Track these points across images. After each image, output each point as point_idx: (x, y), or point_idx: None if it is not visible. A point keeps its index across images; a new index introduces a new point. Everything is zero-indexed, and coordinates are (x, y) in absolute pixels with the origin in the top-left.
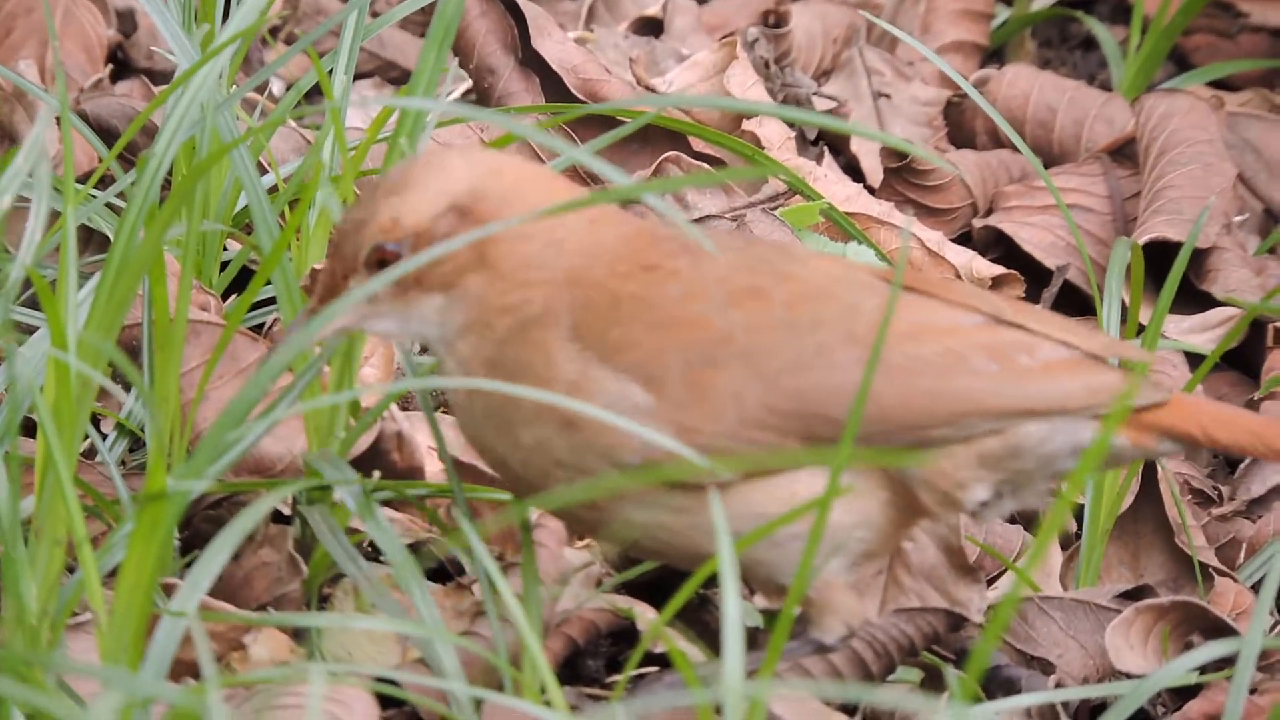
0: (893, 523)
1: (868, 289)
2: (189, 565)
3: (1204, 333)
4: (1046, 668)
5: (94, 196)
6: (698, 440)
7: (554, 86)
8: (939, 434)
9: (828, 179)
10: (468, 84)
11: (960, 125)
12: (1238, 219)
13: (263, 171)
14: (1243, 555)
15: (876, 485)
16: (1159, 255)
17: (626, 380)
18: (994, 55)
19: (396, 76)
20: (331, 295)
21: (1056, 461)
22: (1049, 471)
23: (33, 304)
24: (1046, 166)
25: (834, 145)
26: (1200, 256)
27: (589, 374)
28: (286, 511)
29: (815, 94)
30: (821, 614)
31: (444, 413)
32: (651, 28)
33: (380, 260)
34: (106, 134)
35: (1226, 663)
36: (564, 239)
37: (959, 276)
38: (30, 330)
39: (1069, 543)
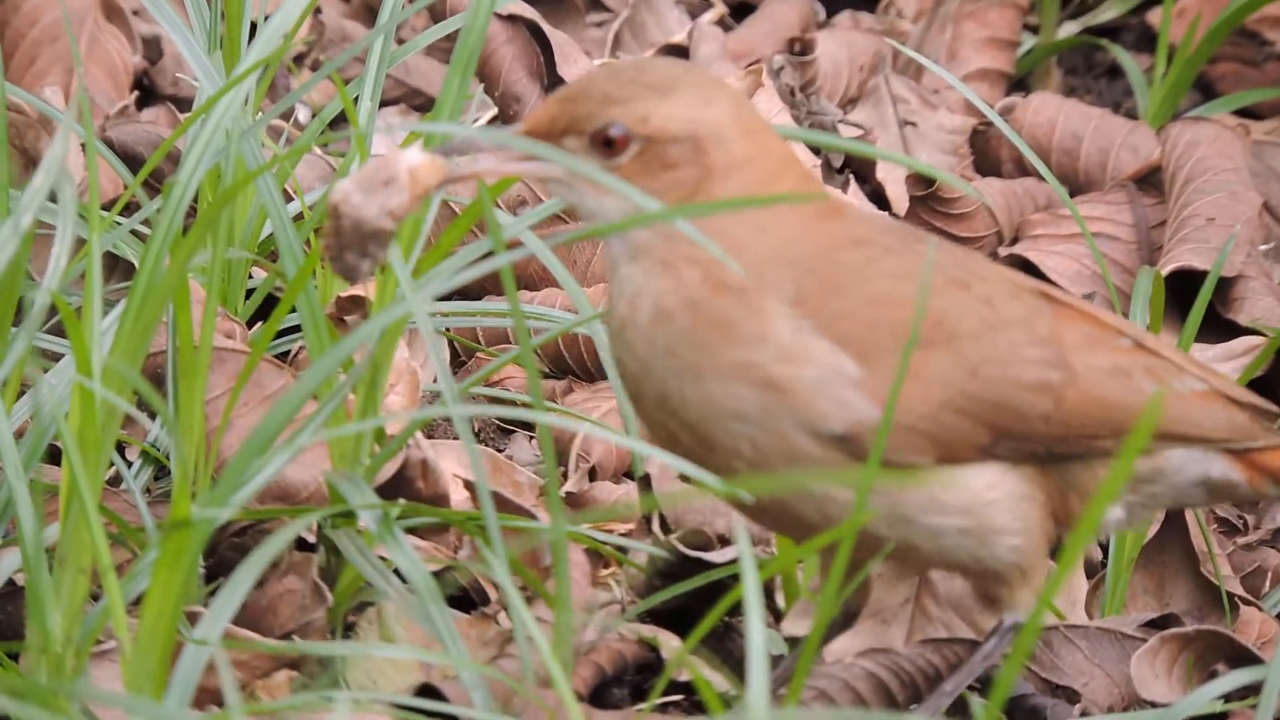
0: (1043, 531)
1: (1038, 296)
2: (213, 593)
3: (1229, 361)
4: (1072, 696)
5: (119, 223)
6: (902, 418)
7: None
8: (1105, 445)
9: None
10: (493, 111)
11: (986, 153)
12: (1263, 247)
13: (288, 199)
14: (1268, 584)
15: (1038, 489)
16: (1185, 283)
17: (840, 351)
18: (1019, 83)
19: (422, 104)
20: (543, 136)
21: (1184, 489)
22: (1172, 498)
23: (58, 331)
24: (1072, 195)
25: (860, 173)
26: (1226, 285)
27: (804, 342)
28: (311, 539)
29: (841, 121)
30: (1015, 592)
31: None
32: (677, 55)
33: (605, 138)
34: (132, 161)
35: (1251, 691)
36: (772, 225)
37: None
38: (56, 357)
39: (1094, 571)
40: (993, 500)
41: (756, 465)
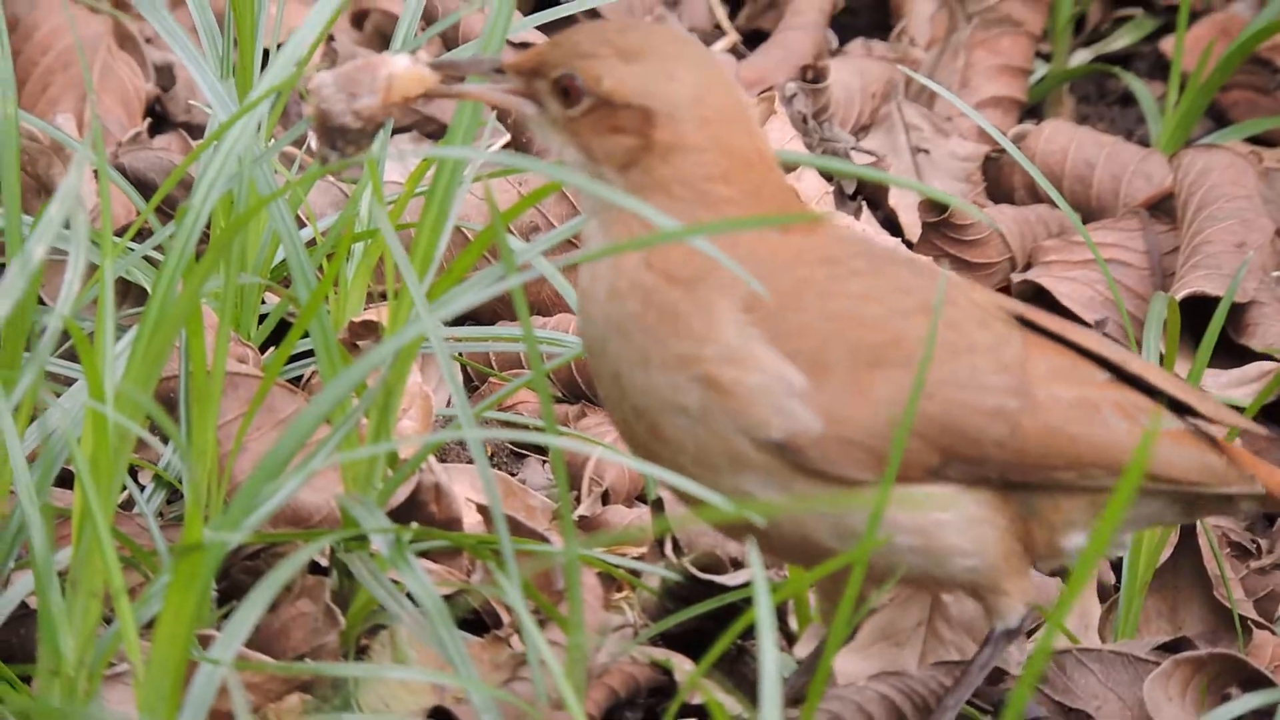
0: (1006, 555)
1: (1012, 324)
2: (226, 616)
3: (1242, 387)
4: None
5: (132, 249)
6: (846, 432)
7: None
8: (1065, 477)
9: (866, 233)
10: (506, 138)
11: (998, 180)
12: (1276, 273)
13: (301, 225)
14: None
15: (997, 513)
16: (1198, 309)
17: (788, 363)
18: (1032, 111)
19: (434, 130)
20: (519, 73)
21: (1155, 514)
22: (1144, 522)
23: (71, 356)
24: (1085, 221)
25: (872, 199)
26: (1239, 311)
27: (751, 348)
28: (324, 562)
29: (853, 149)
30: (997, 600)
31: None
32: None
33: (565, 87)
34: (145, 187)
35: (1265, 715)
36: (740, 232)
37: None
38: (68, 382)
39: (1108, 595)
40: (944, 521)
41: (701, 464)
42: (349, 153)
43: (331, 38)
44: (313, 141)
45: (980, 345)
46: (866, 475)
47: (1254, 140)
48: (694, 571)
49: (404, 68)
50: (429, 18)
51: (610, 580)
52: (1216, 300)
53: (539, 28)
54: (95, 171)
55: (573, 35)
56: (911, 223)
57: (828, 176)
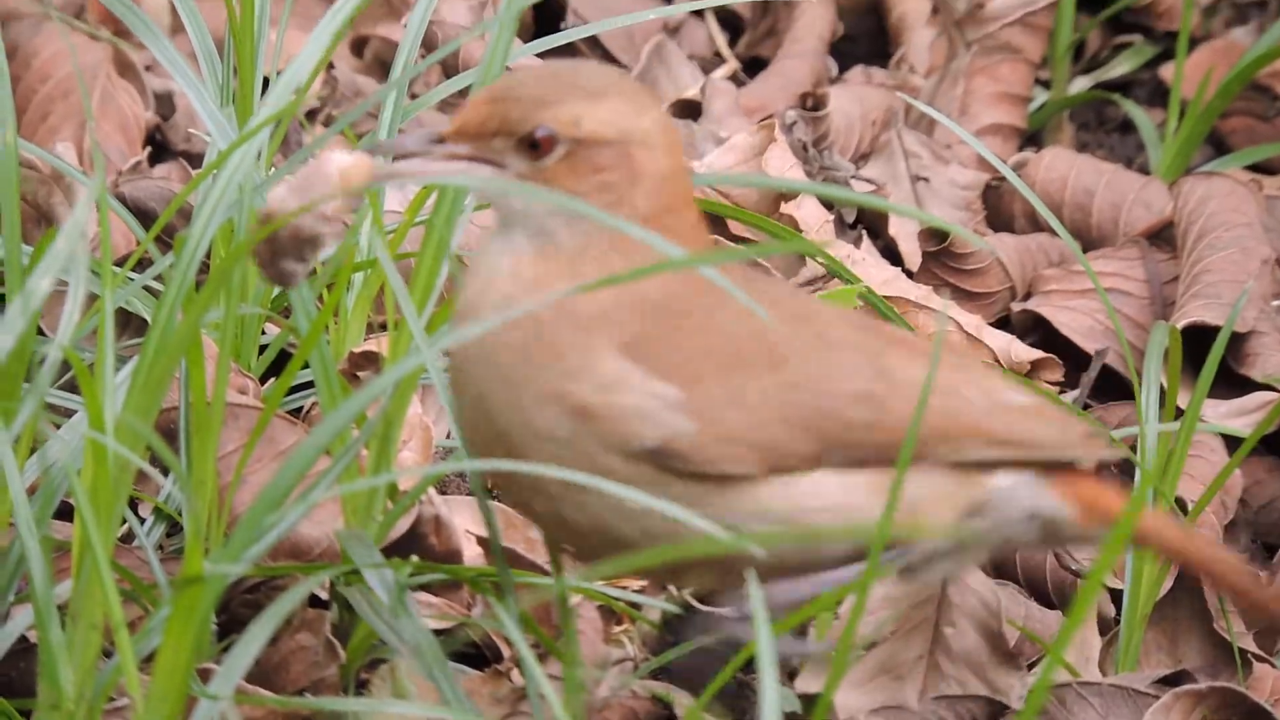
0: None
1: (872, 324)
2: (226, 650)
3: (1242, 417)
4: None
5: (132, 279)
6: (720, 429)
7: None
8: (939, 452)
9: (866, 262)
10: None
11: (998, 209)
12: (1276, 303)
13: None
14: None
15: (878, 499)
16: (1198, 339)
17: (662, 382)
18: (1032, 138)
19: None
20: (472, 137)
21: (1014, 525)
22: (1003, 536)
23: (71, 387)
24: (1085, 250)
25: (872, 228)
26: (1239, 340)
27: (626, 378)
28: (324, 596)
29: (853, 177)
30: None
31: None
32: (689, 110)
33: (533, 141)
34: (144, 216)
35: None
36: (642, 260)
37: (998, 361)
38: (68, 413)
39: (1108, 628)
40: (818, 509)
41: (566, 484)
42: (313, 260)
43: (331, 65)
44: (263, 269)
45: (847, 342)
46: (746, 469)
47: (1254, 167)
48: (694, 604)
49: (350, 160)
50: (429, 45)
51: (610, 613)
52: (1216, 330)
53: (539, 54)
54: (95, 201)
55: (523, 87)
56: (911, 251)
57: (828, 205)
